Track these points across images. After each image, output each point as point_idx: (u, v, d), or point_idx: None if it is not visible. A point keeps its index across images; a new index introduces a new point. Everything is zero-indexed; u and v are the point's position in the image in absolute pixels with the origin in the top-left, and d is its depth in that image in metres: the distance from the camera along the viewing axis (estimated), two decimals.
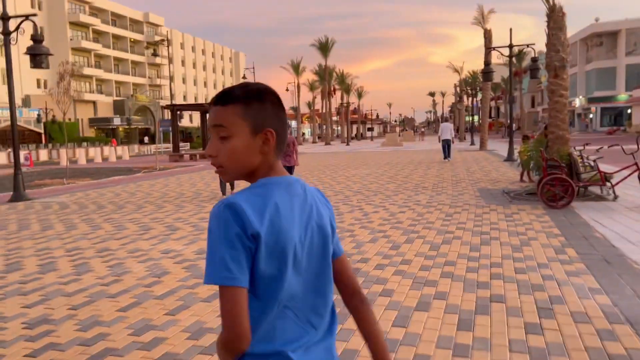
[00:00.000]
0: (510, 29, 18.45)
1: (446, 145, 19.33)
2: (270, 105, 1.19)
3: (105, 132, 68.59)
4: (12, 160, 33.05)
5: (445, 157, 19.48)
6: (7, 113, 44.84)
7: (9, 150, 39.02)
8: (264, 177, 1.18)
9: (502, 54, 18.82)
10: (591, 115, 65.04)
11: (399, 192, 10.65)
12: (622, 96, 59.88)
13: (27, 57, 11.52)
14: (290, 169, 9.36)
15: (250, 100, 1.17)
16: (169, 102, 61.65)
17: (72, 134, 60.27)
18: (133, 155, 43.39)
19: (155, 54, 42.25)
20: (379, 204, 8.99)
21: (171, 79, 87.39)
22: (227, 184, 10.66)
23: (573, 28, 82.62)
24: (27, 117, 54.70)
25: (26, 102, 58.70)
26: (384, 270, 5.00)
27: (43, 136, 58.11)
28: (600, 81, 62.44)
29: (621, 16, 58.29)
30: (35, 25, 11.44)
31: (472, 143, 36.12)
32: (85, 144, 57.27)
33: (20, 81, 54.39)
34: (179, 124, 70.01)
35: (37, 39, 11.32)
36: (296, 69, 57.85)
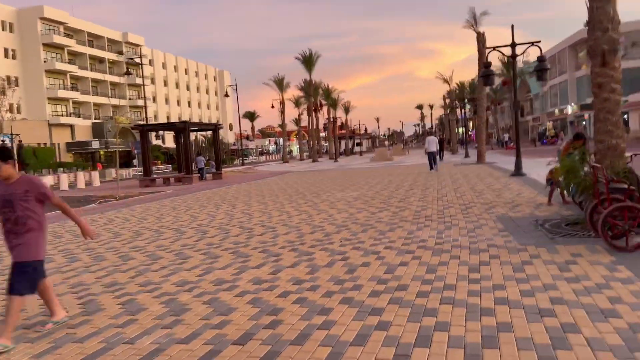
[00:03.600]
0: (512, 26, 16.25)
1: (432, 157, 20.53)
2: None
3: (83, 157, 65.66)
4: None
5: (431, 168, 20.52)
6: None
7: None
8: None
9: (503, 54, 16.59)
10: (584, 123, 63.32)
11: (395, 226, 8.16)
12: None
13: None
14: None
15: None
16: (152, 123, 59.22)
17: (47, 160, 57.41)
18: (107, 181, 40.66)
19: (128, 72, 39.71)
20: (369, 249, 6.49)
21: (153, 99, 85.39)
22: None
23: (561, 35, 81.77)
24: None
25: None
26: None
27: (17, 164, 55.16)
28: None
29: None
30: None
31: (467, 155, 33.97)
32: (61, 169, 54.41)
33: None
34: (163, 145, 67.71)
35: None
36: (280, 84, 55.66)
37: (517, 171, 16.38)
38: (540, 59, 15.58)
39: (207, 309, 4.37)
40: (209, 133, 50.57)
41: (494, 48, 16.66)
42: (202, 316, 4.19)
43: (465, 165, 24.31)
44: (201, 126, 34.44)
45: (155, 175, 28.12)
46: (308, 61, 51.38)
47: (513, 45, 16.25)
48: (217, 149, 30.46)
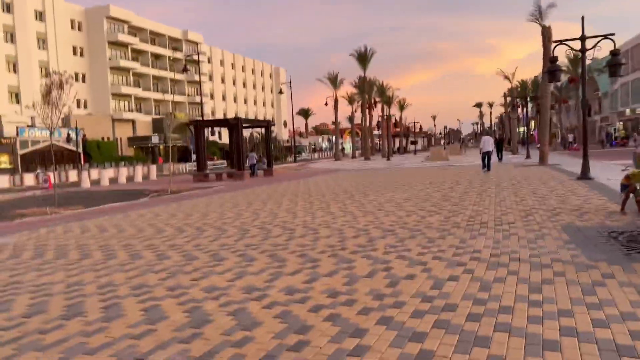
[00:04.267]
0: (582, 17, 15.01)
1: (486, 157, 20.65)
2: None
3: (144, 151, 68.00)
4: (40, 180, 31.66)
5: (483, 168, 20.67)
6: (46, 133, 44.42)
7: (38, 171, 38.10)
8: None
9: (572, 49, 15.36)
10: None
11: (446, 232, 7.53)
12: None
13: None
14: None
15: None
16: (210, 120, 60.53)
17: (110, 153, 59.91)
18: (165, 175, 41.79)
19: (185, 69, 40.55)
20: (416, 259, 5.92)
21: (211, 95, 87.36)
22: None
23: (635, 31, 76.55)
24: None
25: (65, 121, 58.77)
26: None
27: (82, 156, 57.90)
28: None
29: None
30: None
31: (528, 156, 32.24)
32: (122, 163, 56.64)
33: None
34: (220, 141, 68.96)
35: None
36: (334, 81, 55.28)
37: (584, 175, 15.14)
38: (614, 52, 14.24)
39: (230, 322, 4.00)
40: (263, 130, 51.01)
41: (562, 42, 15.42)
42: (224, 330, 3.82)
43: (526, 167, 22.97)
44: (254, 123, 34.65)
45: (208, 171, 28.44)
46: (362, 57, 50.72)
47: (583, 38, 14.99)
48: (269, 145, 30.46)
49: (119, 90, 64.58)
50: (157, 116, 70.98)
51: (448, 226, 8.08)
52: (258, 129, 59.82)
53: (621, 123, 68.55)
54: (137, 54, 69.62)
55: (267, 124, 30.39)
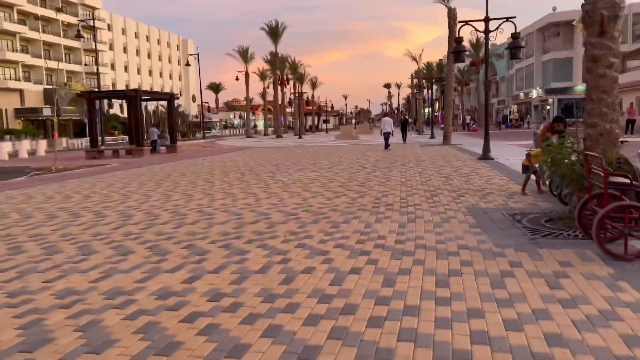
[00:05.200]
0: (487, 0, 15.18)
1: (387, 137, 22.01)
2: None
3: (35, 125, 61.91)
4: None
5: (386, 147, 21.84)
6: None
7: None
8: None
9: (476, 30, 15.53)
10: (548, 107, 63.82)
11: (351, 216, 7.05)
12: (579, 87, 58.73)
13: None
14: None
15: None
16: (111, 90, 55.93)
17: None
18: (58, 150, 38.17)
19: (79, 35, 36.85)
20: (316, 248, 5.34)
21: (112, 66, 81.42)
22: None
23: (530, 19, 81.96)
24: None
25: None
26: None
27: None
28: (557, 72, 61.24)
29: (579, 5, 56.69)
30: None
31: (432, 136, 33.29)
32: (9, 136, 51.16)
33: None
34: (122, 115, 64.33)
35: None
36: (244, 55, 53.47)
37: (485, 155, 15.54)
38: (515, 35, 14.61)
39: (75, 341, 3.13)
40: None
41: (467, 22, 15.55)
42: (62, 354, 2.96)
43: (431, 147, 23.48)
44: (155, 95, 32.28)
45: (103, 147, 26.20)
46: (274, 32, 49.39)
47: (487, 19, 15.20)
48: (172, 120, 28.64)
49: (3, 56, 57.89)
50: (50, 87, 64.87)
51: (354, 209, 7.61)
52: (163, 103, 56.70)
53: (516, 106, 73.51)
54: (25, 17, 62.73)
55: (169, 97, 28.50)
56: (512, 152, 17.58)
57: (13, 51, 59.90)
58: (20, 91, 60.82)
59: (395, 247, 5.23)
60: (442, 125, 29.33)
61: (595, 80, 5.58)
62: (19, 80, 60.80)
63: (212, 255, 5.12)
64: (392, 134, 22.74)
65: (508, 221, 6.33)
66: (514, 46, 14.51)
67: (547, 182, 7.56)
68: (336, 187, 10.18)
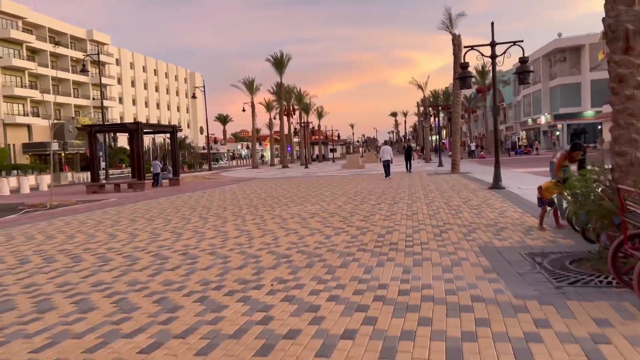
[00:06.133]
0: (492, 23, 14.70)
1: (387, 165, 22.38)
2: None
3: (42, 159, 62.12)
4: None
5: (386, 176, 22.17)
6: None
7: None
8: None
9: (482, 55, 14.99)
10: (558, 133, 63.05)
11: (350, 258, 6.31)
12: (589, 112, 58.08)
13: None
14: None
15: None
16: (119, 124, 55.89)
17: (1, 161, 53.93)
18: (63, 185, 37.98)
19: (84, 70, 36.91)
20: (306, 301, 4.60)
21: (120, 100, 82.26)
22: None
23: (536, 45, 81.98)
24: None
25: None
26: None
27: None
28: (565, 97, 60.72)
29: (585, 32, 56.87)
30: None
31: (440, 164, 32.56)
32: (16, 172, 51.23)
33: None
34: (126, 147, 64.40)
35: None
36: (250, 87, 53.56)
37: (496, 184, 14.79)
38: (523, 59, 14.03)
39: None
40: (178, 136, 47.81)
41: (472, 47, 15.03)
42: None
43: (439, 175, 22.75)
44: (157, 128, 31.92)
45: (104, 181, 25.73)
46: (279, 63, 49.60)
47: (493, 44, 14.66)
48: (175, 153, 28.23)
49: (11, 92, 58.52)
50: (58, 121, 65.33)
51: (353, 249, 6.88)
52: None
53: (524, 132, 72.82)
54: (34, 54, 63.70)
55: (172, 129, 28.14)
56: (523, 181, 16.81)
57: (22, 87, 60.59)
58: (28, 126, 61.30)
59: (397, 300, 4.48)
60: (450, 153, 28.62)
61: (622, 102, 4.89)
62: (27, 115, 61.31)
63: (184, 313, 4.39)
64: (392, 162, 23.07)
65: (527, 263, 5.56)
66: (523, 71, 13.92)
67: (581, 221, 6.78)
68: (337, 223, 9.46)
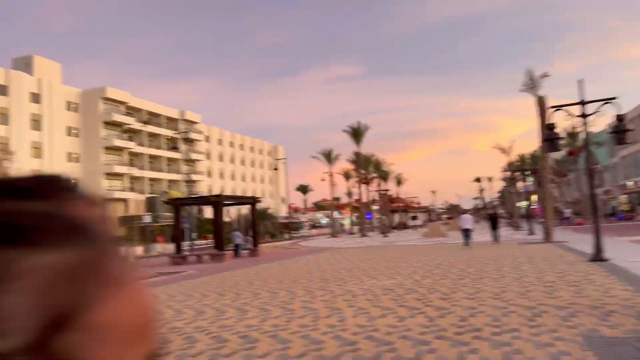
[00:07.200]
0: (580, 80, 13.67)
1: (467, 234, 22.29)
2: None
3: (136, 231, 66.00)
4: None
5: (465, 244, 21.94)
6: None
7: None
8: None
9: (570, 115, 13.90)
10: None
11: (425, 348, 5.46)
12: None
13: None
14: None
15: None
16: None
17: None
18: (152, 256, 39.68)
19: (174, 147, 39.47)
20: None
21: (208, 173, 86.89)
22: None
23: (629, 104, 77.07)
24: None
25: None
26: None
27: None
28: None
29: None
30: None
31: (531, 232, 30.22)
32: None
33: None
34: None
35: None
36: (328, 157, 54.44)
37: (598, 255, 13.12)
38: (620, 117, 12.78)
39: None
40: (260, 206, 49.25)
41: (560, 107, 13.96)
42: None
43: (530, 245, 20.93)
44: (238, 199, 32.82)
45: (186, 253, 26.40)
46: (357, 133, 50.24)
47: (583, 102, 13.57)
48: (255, 223, 28.60)
49: (112, 169, 63.81)
50: (152, 195, 69.82)
51: (429, 336, 6.02)
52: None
53: (625, 196, 66.98)
54: (133, 134, 69.66)
55: (252, 200, 28.68)
56: (631, 252, 14.89)
57: (121, 164, 65.95)
58: (125, 201, 65.92)
59: None
60: (541, 220, 26.51)
61: None
62: (124, 190, 66.18)
63: None
64: (472, 230, 22.89)
65: None
66: (620, 130, 12.63)
67: None
68: (413, 301, 8.58)
